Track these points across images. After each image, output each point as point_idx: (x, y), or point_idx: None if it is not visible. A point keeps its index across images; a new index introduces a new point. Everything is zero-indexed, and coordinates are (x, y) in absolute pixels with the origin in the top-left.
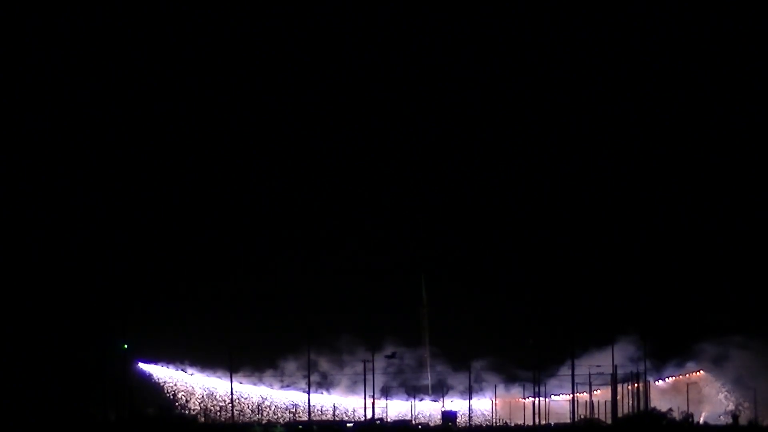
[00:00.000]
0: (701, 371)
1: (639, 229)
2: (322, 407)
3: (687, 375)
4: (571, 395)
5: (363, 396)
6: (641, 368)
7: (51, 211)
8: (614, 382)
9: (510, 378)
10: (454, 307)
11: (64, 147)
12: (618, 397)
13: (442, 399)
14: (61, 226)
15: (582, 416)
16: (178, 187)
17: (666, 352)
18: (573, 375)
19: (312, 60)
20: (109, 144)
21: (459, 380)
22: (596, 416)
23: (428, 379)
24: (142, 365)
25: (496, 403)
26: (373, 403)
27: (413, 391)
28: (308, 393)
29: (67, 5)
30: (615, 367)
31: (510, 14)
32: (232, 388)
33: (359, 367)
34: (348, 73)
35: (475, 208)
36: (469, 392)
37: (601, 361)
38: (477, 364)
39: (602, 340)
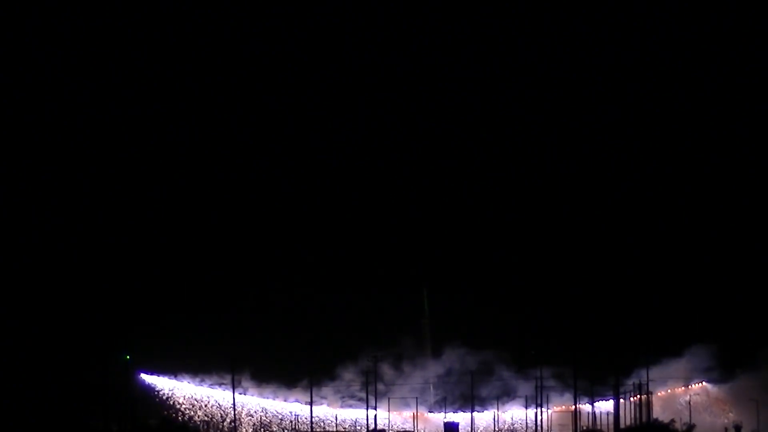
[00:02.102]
0: (703, 383)
1: (703, 235)
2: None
3: (690, 387)
4: (574, 406)
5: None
6: (712, 376)
7: (52, 219)
8: (616, 392)
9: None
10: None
11: (63, 155)
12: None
13: (444, 411)
14: (62, 236)
15: (585, 427)
16: (182, 196)
17: (734, 360)
18: (575, 385)
19: (312, 60)
20: (112, 151)
21: (526, 389)
22: (599, 427)
23: (431, 393)
24: (144, 376)
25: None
26: (375, 415)
27: (471, 401)
28: (311, 404)
29: (67, 5)
30: (617, 379)
31: (510, 14)
32: (234, 399)
33: (419, 376)
34: (348, 76)
35: (513, 215)
36: (472, 403)
37: (673, 371)
38: (540, 373)
39: (674, 350)
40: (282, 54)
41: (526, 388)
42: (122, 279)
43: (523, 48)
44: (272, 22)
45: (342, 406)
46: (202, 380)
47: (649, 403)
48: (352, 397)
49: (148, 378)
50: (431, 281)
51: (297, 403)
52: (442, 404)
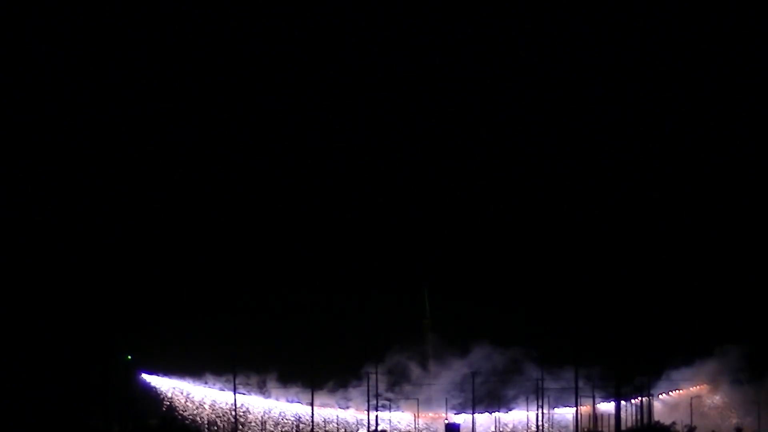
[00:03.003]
0: (704, 384)
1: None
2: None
3: (691, 389)
4: (575, 407)
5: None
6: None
7: (53, 219)
8: (618, 394)
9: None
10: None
11: (64, 153)
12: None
13: (447, 411)
14: (63, 236)
15: (585, 429)
16: (183, 195)
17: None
18: (576, 385)
19: (312, 60)
20: (112, 151)
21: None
22: (600, 429)
23: (424, 388)
24: (145, 376)
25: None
26: (377, 416)
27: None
28: (311, 404)
29: (67, 5)
30: (618, 380)
31: (510, 14)
32: (235, 399)
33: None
34: (348, 76)
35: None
36: (473, 403)
37: (706, 372)
38: (541, 375)
39: (704, 350)
40: (282, 54)
41: (556, 387)
42: (124, 277)
43: (523, 48)
44: (272, 22)
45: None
46: (228, 380)
47: (650, 405)
48: (378, 396)
49: (149, 378)
50: (442, 280)
51: (298, 404)
52: (465, 405)
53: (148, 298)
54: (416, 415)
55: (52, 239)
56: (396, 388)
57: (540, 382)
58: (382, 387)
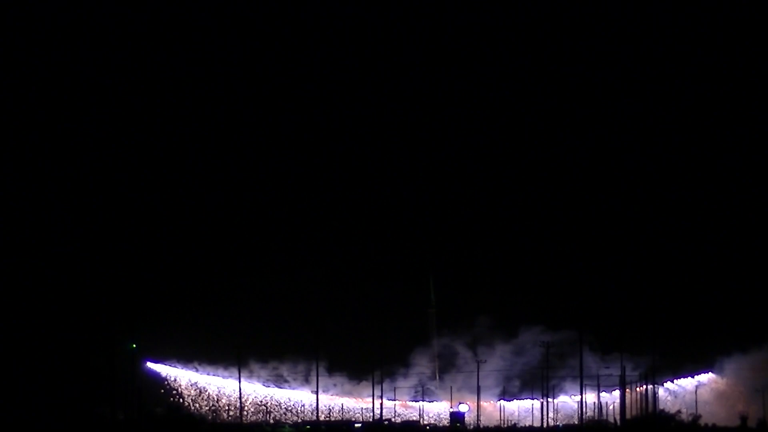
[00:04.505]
0: (710, 372)
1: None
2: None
3: (695, 376)
4: (580, 396)
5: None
6: None
7: (57, 211)
8: (623, 383)
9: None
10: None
11: (68, 148)
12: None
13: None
14: (67, 227)
15: (590, 417)
16: (185, 189)
17: None
18: (581, 375)
19: (312, 60)
20: (114, 144)
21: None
22: (604, 418)
23: (436, 382)
24: (150, 364)
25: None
26: (381, 403)
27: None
28: (317, 392)
29: (67, 5)
30: (623, 369)
31: (510, 14)
32: (240, 388)
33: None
34: (348, 73)
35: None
36: (477, 392)
37: (756, 361)
38: (546, 364)
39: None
40: (282, 54)
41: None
42: (129, 267)
43: (523, 48)
44: (273, 22)
45: (411, 399)
46: (275, 368)
47: (654, 394)
48: (420, 383)
49: (155, 366)
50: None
51: (302, 390)
52: (510, 391)
53: (154, 291)
54: (420, 406)
55: (60, 232)
56: (444, 375)
57: (545, 371)
58: (426, 376)
